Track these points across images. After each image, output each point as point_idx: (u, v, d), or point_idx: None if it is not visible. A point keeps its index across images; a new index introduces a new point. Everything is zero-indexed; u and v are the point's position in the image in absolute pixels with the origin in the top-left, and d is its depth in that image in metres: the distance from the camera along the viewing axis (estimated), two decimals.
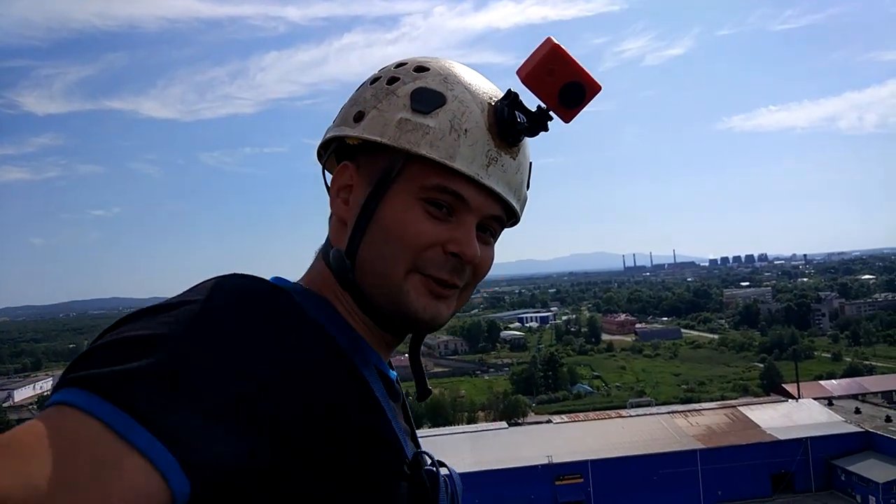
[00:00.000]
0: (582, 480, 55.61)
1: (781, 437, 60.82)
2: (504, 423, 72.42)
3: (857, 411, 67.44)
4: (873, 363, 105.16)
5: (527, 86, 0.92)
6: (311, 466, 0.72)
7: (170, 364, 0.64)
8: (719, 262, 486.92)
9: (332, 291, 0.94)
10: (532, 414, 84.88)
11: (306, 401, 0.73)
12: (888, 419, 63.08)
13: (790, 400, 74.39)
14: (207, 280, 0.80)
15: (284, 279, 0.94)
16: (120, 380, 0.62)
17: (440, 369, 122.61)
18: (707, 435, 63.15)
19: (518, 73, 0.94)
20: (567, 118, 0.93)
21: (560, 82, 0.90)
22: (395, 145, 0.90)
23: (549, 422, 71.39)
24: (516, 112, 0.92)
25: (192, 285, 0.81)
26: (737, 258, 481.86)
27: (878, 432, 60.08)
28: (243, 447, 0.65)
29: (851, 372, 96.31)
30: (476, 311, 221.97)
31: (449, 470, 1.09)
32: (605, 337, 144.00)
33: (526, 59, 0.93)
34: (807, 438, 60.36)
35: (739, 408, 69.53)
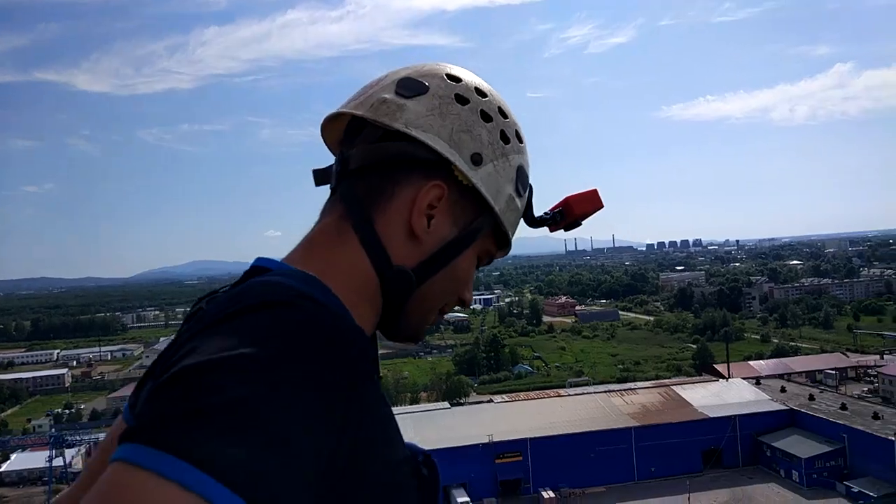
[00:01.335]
0: (521, 458, 56.36)
1: (712, 414, 62.99)
2: (446, 404, 72.95)
3: (783, 390, 70.45)
4: (799, 344, 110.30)
5: (567, 211, 1.13)
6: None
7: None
8: (656, 247, 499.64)
9: (368, 297, 0.93)
10: (474, 394, 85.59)
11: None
12: (811, 398, 66.18)
13: (721, 379, 77.04)
14: (266, 323, 0.70)
15: (307, 276, 0.86)
16: None
17: (384, 351, 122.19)
18: (642, 413, 64.89)
19: (573, 203, 1.13)
20: (552, 229, 1.16)
21: (576, 217, 1.14)
22: (500, 217, 1.01)
23: (490, 402, 72.18)
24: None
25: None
26: (672, 243, 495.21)
27: (802, 410, 62.94)
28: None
29: (778, 353, 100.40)
30: None
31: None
32: (546, 319, 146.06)
33: (582, 198, 1.14)
34: (735, 416, 62.67)
35: (673, 387, 71.71)
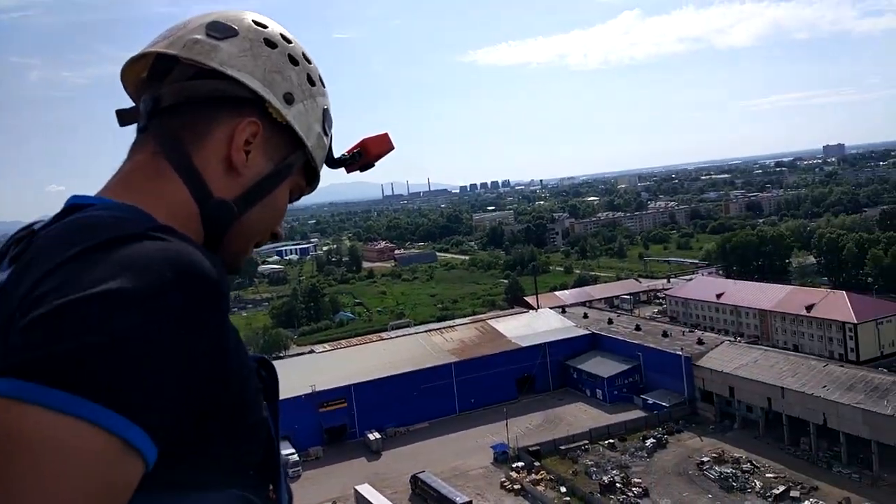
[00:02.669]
0: (346, 405, 55.73)
1: (524, 344, 65.89)
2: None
3: (585, 316, 75.38)
4: (597, 273, 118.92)
5: (364, 151, 1.25)
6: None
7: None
8: (469, 189, 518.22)
9: (190, 229, 0.93)
10: (294, 346, 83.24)
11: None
12: (610, 321, 71.46)
13: (531, 310, 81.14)
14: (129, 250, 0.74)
15: (133, 209, 0.88)
16: None
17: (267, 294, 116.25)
18: (461, 348, 66.48)
19: (369, 144, 1.25)
20: (348, 170, 1.26)
21: (372, 158, 1.26)
22: (311, 153, 1.11)
23: (311, 352, 70.48)
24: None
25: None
26: (484, 185, 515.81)
27: (602, 333, 67.78)
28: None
29: (581, 282, 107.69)
30: None
31: None
32: (365, 265, 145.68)
33: (377, 140, 1.27)
34: (545, 344, 66.12)
35: (488, 321, 74.25)
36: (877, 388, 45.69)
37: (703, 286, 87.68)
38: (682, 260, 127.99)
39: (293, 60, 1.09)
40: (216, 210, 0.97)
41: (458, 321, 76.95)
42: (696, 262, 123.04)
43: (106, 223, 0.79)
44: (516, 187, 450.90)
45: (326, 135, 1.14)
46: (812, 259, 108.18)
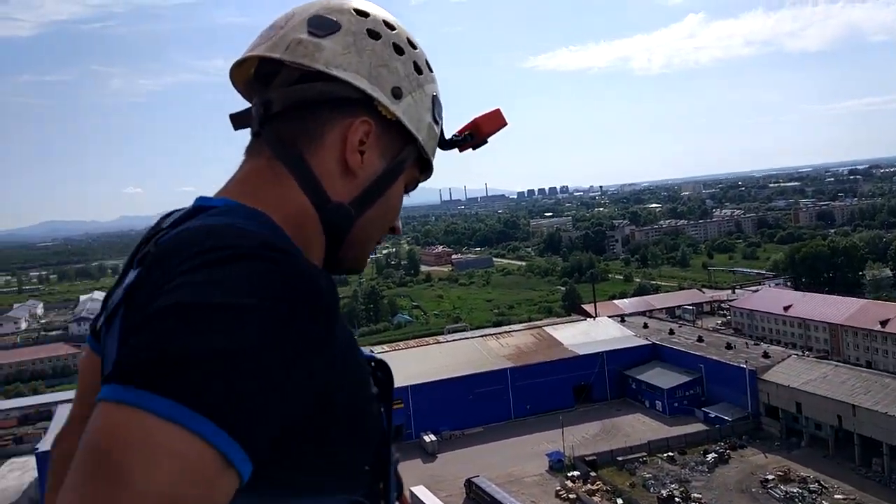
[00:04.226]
0: (402, 406, 56.15)
1: (581, 352, 65.18)
2: None
3: (646, 326, 74.11)
4: (658, 282, 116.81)
5: (476, 131, 1.19)
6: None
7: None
8: (526, 195, 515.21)
9: (314, 233, 0.97)
10: None
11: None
12: (671, 332, 70.03)
13: (588, 318, 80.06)
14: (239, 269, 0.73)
15: (255, 214, 0.89)
16: None
17: None
18: (516, 354, 66.24)
19: (481, 123, 1.20)
20: (461, 149, 1.21)
21: (485, 136, 1.21)
22: (423, 146, 1.07)
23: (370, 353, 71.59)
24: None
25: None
26: (542, 190, 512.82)
27: (663, 344, 66.39)
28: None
29: (640, 291, 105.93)
30: None
31: None
32: (423, 268, 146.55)
33: (488, 117, 1.21)
34: (603, 353, 65.14)
35: (545, 328, 73.70)
36: None
37: (770, 298, 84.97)
38: (748, 270, 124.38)
39: (398, 49, 1.04)
40: (334, 214, 0.97)
41: (514, 327, 76.63)
42: (763, 272, 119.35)
43: (228, 233, 0.79)
44: (575, 193, 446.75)
45: (437, 123, 1.11)
46: (888, 272, 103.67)
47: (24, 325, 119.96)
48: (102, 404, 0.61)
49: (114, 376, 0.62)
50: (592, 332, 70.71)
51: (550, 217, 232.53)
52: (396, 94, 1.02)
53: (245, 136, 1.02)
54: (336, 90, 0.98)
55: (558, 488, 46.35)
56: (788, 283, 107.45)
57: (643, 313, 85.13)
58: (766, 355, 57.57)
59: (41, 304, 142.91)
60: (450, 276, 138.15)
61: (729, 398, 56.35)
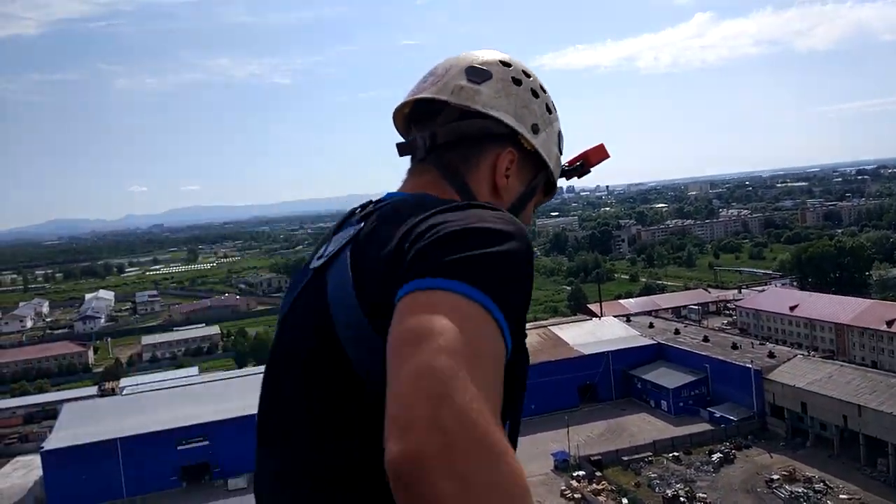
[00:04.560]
0: None
1: (587, 352, 65.06)
2: None
3: (651, 326, 73.89)
4: (665, 282, 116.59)
5: (586, 162, 1.51)
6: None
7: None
8: None
9: None
10: None
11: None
12: (677, 332, 69.84)
13: (594, 318, 79.96)
14: (500, 213, 1.00)
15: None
16: None
17: (263, 307, 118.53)
18: None
19: (590, 155, 1.51)
20: (568, 177, 1.52)
21: (592, 166, 1.52)
22: (552, 172, 1.37)
23: None
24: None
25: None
26: None
27: (669, 343, 66.20)
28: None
29: (646, 291, 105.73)
30: (301, 247, 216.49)
31: None
32: None
33: (596, 150, 1.51)
34: (608, 352, 65.04)
35: (550, 327, 73.68)
36: None
37: (776, 298, 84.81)
38: (754, 270, 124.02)
39: (534, 93, 1.34)
40: None
41: None
42: (770, 272, 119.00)
43: (445, 200, 1.10)
44: (581, 193, 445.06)
45: (561, 153, 1.41)
46: (895, 272, 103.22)
47: (29, 324, 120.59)
48: (429, 292, 0.82)
49: (428, 271, 0.85)
50: (598, 332, 70.59)
51: (556, 217, 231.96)
52: (535, 129, 1.32)
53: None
54: (491, 126, 1.28)
55: (563, 488, 46.30)
56: (794, 283, 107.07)
57: (649, 313, 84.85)
58: (771, 355, 57.40)
59: (47, 303, 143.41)
60: None
61: (734, 398, 56.22)
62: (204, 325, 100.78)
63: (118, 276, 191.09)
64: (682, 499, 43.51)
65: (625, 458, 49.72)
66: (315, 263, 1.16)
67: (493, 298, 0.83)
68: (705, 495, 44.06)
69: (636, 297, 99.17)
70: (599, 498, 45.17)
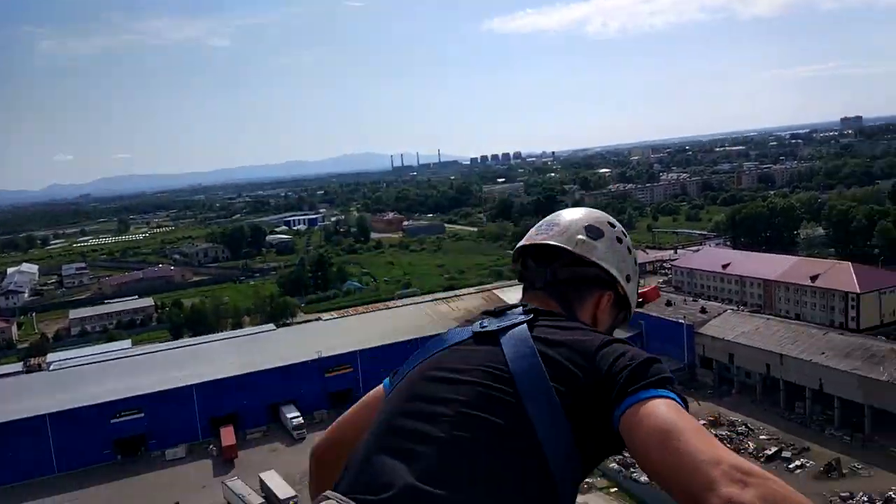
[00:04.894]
0: (351, 370, 56.77)
1: None
2: (272, 326, 71.20)
3: None
4: None
5: (645, 298, 1.88)
6: None
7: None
8: (479, 161, 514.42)
9: None
10: (301, 314, 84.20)
11: None
12: None
13: None
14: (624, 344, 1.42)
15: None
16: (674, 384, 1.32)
17: (199, 277, 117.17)
18: (466, 317, 65.75)
19: (648, 294, 1.90)
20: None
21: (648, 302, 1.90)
22: (632, 310, 1.77)
23: (318, 320, 71.53)
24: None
25: None
26: (495, 157, 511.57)
27: None
28: None
29: None
30: (238, 216, 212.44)
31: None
32: (374, 235, 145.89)
33: (652, 291, 1.93)
34: None
35: (494, 291, 74.80)
36: (874, 355, 46.09)
37: (710, 257, 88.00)
38: (690, 231, 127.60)
39: (629, 250, 1.76)
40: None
41: (464, 291, 77.48)
42: (705, 233, 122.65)
43: (597, 332, 1.50)
44: (528, 159, 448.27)
45: (637, 293, 1.81)
46: (821, 231, 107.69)
47: None
48: (652, 400, 1.24)
49: (644, 386, 1.26)
50: None
51: (503, 183, 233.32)
52: (628, 279, 1.72)
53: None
54: (600, 273, 1.68)
55: None
56: (728, 243, 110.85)
57: None
58: (703, 311, 59.80)
59: None
60: (401, 243, 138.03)
61: (667, 352, 58.32)
62: (137, 297, 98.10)
63: (42, 249, 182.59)
64: None
65: None
66: (477, 328, 1.49)
67: (673, 392, 1.27)
68: None
69: None
70: None
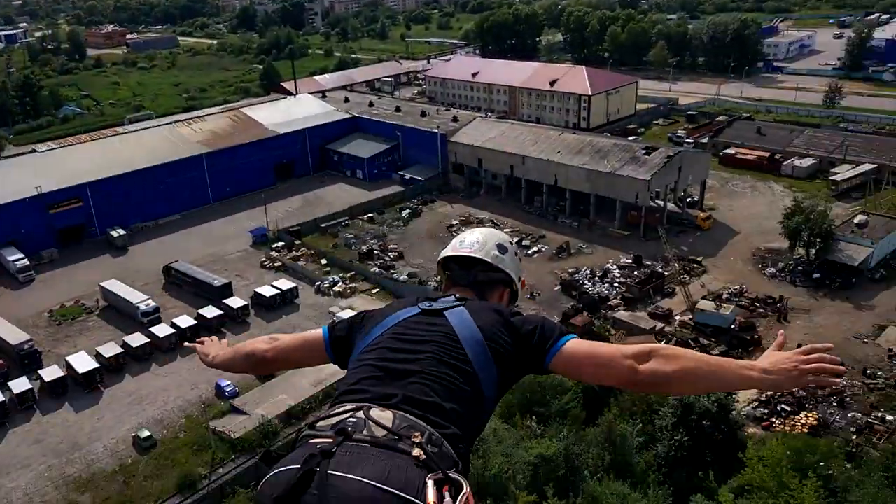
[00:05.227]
0: (81, 204, 50.83)
1: (282, 130, 63.50)
2: None
3: (346, 100, 73.67)
4: (359, 56, 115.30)
5: (522, 288, 2.86)
6: None
7: None
8: None
9: None
10: (11, 146, 72.42)
11: None
12: (371, 104, 70.56)
13: (289, 96, 77.36)
14: None
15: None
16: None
17: None
18: (212, 139, 62.09)
19: (521, 286, 2.82)
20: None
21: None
22: (518, 296, 2.78)
23: (32, 151, 61.56)
24: None
25: None
26: None
27: (363, 116, 67.17)
28: None
29: (341, 66, 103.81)
30: None
31: None
32: (91, 52, 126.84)
33: (522, 284, 2.84)
34: (305, 129, 64.28)
35: (242, 109, 69.53)
36: (600, 150, 51.08)
37: (460, 66, 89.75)
38: (442, 40, 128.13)
39: (518, 258, 2.70)
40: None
41: (207, 111, 71.11)
42: (456, 42, 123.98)
43: (504, 306, 2.43)
44: None
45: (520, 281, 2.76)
46: (560, 37, 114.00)
47: None
48: (571, 340, 2.20)
49: (559, 336, 2.20)
50: (293, 110, 68.75)
51: None
52: (518, 278, 2.67)
53: None
54: (504, 277, 2.62)
55: (263, 259, 47.23)
56: (477, 52, 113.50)
57: (344, 87, 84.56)
58: (455, 119, 61.30)
59: None
60: (126, 60, 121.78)
61: (423, 160, 60.00)
62: None
63: None
64: (375, 252, 47.05)
65: (323, 226, 51.67)
66: (426, 307, 2.26)
67: (573, 334, 2.23)
68: (396, 245, 48.30)
69: (331, 72, 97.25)
70: (299, 262, 46.70)
